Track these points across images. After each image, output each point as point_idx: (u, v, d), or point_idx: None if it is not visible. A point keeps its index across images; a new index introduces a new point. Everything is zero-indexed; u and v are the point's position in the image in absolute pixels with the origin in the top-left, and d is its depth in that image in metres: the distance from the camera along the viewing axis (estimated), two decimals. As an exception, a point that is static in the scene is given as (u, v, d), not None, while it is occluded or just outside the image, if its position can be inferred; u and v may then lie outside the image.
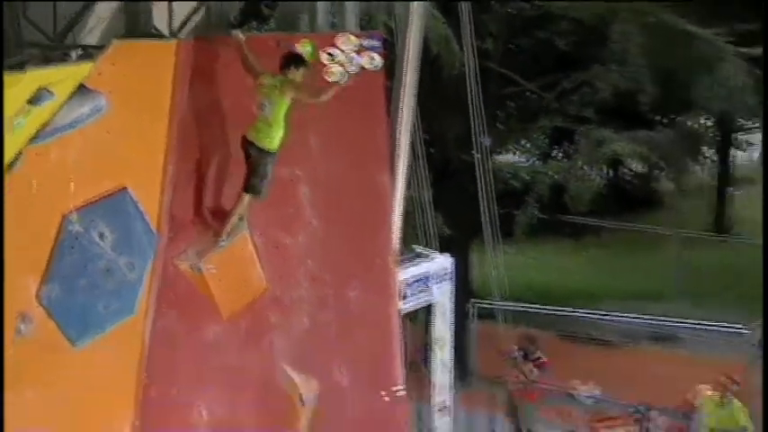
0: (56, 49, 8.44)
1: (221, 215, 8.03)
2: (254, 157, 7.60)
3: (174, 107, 7.71)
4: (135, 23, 8.78)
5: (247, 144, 7.62)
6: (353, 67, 8.45)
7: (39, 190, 6.88)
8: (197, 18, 9.38)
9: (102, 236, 7.22)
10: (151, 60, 7.72)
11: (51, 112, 6.90)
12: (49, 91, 6.81)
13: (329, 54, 8.40)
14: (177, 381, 7.78)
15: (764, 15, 12.83)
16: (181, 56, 7.76)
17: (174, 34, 8.84)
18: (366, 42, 8.59)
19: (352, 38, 8.55)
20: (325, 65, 8.38)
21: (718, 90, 14.94)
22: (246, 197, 7.77)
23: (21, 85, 6.60)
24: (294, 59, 7.69)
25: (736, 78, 14.53)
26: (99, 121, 7.17)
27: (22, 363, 6.56)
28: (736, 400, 11.11)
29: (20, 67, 6.95)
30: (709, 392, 11.23)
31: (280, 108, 7.49)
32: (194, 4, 9.28)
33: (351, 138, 8.65)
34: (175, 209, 7.75)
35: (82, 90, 7.08)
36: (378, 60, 8.62)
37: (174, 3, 8.87)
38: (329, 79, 8.38)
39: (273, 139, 7.55)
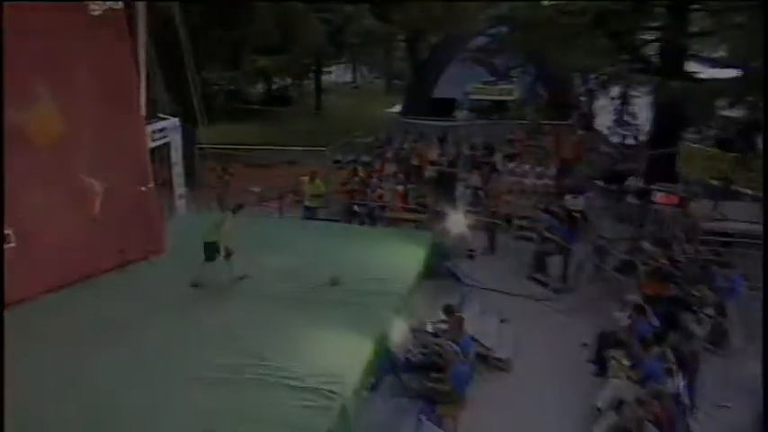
0: None
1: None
2: None
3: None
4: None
5: None
6: (106, 6, 7.47)
7: None
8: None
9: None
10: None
11: None
12: None
13: (91, -2, 7.32)
14: (19, 184, 6.77)
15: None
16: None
17: None
18: None
19: (105, -11, 7.50)
20: (89, 4, 7.31)
21: (311, 38, 15.02)
22: None
23: None
24: None
25: (317, 32, 14.73)
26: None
27: None
28: (318, 181, 11.59)
29: None
30: (305, 178, 11.68)
31: None
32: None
33: (114, 51, 7.74)
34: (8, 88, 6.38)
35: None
36: (120, 4, 7.68)
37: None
38: (92, 12, 7.34)
39: None
